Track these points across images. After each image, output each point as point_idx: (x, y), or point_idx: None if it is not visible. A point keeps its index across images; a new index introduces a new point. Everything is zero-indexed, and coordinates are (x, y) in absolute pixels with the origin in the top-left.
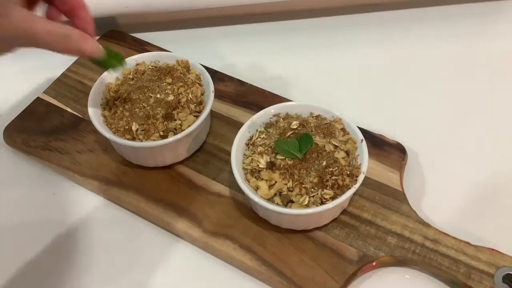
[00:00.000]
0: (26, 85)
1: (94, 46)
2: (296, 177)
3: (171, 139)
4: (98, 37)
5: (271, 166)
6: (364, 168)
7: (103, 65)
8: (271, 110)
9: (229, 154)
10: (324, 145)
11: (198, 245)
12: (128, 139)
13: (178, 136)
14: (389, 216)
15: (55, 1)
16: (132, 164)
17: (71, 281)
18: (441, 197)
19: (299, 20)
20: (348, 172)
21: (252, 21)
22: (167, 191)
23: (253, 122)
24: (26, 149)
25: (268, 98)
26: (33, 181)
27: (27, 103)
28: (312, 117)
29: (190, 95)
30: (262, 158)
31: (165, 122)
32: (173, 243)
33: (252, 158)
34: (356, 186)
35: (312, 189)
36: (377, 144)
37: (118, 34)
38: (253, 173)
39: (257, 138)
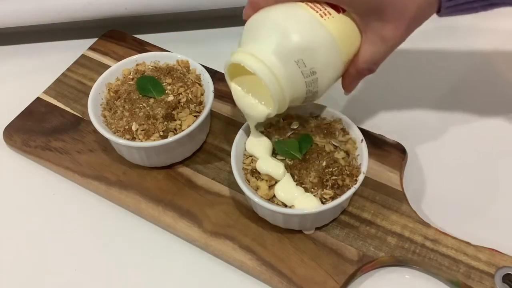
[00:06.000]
0: (26, 85)
1: None
2: (296, 177)
3: (171, 139)
4: (98, 38)
5: None
6: (364, 168)
7: None
8: None
9: (229, 154)
10: (324, 145)
11: (198, 245)
12: (128, 139)
13: (178, 136)
14: (389, 216)
15: None
16: (132, 164)
17: (70, 281)
18: (441, 197)
19: None
20: (348, 172)
21: None
22: (167, 191)
23: None
24: (26, 149)
25: None
26: (33, 181)
27: (27, 103)
28: (312, 117)
29: (190, 95)
30: None
31: (165, 122)
32: (173, 243)
33: (252, 158)
34: (356, 186)
35: (312, 189)
36: (377, 144)
37: (118, 34)
38: (253, 173)
39: None
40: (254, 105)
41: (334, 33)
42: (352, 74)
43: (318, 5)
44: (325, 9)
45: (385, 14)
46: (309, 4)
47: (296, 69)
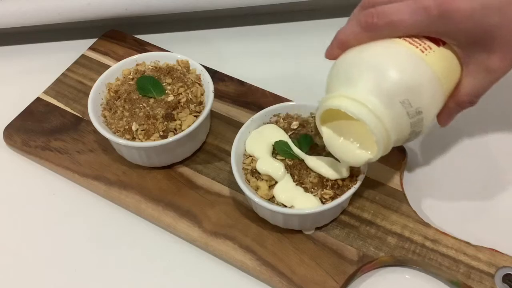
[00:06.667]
0: (26, 85)
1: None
2: (296, 177)
3: (171, 139)
4: (98, 38)
5: None
6: (364, 168)
7: None
8: (271, 110)
9: (229, 154)
10: (324, 145)
11: (198, 245)
12: (128, 139)
13: (178, 136)
14: (389, 216)
15: None
16: (132, 164)
17: (70, 281)
18: (441, 197)
19: (300, 22)
20: None
21: (252, 22)
22: (167, 191)
23: (253, 122)
24: (26, 149)
25: (268, 98)
26: (33, 181)
27: (27, 103)
28: (312, 117)
29: (190, 95)
30: None
31: (165, 122)
32: (173, 243)
33: (252, 158)
34: (356, 186)
35: (312, 189)
36: None
37: (118, 34)
38: (253, 173)
39: None
40: (352, 151)
41: (436, 69)
42: (451, 108)
43: (417, 40)
44: (425, 44)
45: (491, 44)
46: (407, 39)
47: (401, 110)
